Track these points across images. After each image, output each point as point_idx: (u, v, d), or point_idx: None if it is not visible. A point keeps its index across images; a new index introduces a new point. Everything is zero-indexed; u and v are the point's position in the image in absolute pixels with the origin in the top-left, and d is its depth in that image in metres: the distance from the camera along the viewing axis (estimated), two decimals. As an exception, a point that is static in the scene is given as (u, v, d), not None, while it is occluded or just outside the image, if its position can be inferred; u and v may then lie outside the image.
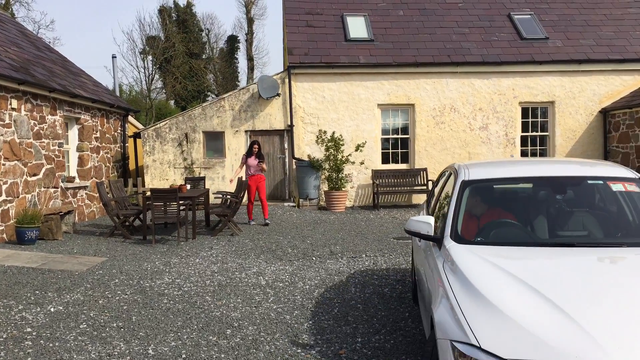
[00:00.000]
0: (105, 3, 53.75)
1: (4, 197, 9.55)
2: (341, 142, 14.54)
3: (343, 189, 14.26)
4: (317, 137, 14.70)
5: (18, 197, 9.99)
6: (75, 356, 4.49)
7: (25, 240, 9.19)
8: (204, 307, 5.88)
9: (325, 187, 14.62)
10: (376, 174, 14.58)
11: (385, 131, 15.14)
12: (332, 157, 14.43)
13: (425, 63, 14.65)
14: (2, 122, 9.59)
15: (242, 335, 5.01)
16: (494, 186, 4.53)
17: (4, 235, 9.53)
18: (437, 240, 3.95)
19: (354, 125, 14.81)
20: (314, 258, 8.35)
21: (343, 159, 14.35)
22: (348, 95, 14.76)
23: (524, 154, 15.26)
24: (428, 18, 16.08)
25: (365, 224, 11.67)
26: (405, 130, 15.15)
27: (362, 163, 14.72)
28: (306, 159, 14.50)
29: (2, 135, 9.58)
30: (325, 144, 14.60)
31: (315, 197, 14.34)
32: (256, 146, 11.52)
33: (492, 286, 3.06)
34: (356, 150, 14.61)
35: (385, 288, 6.59)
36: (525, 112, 15.24)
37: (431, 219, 4.04)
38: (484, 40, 15.35)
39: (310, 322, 5.39)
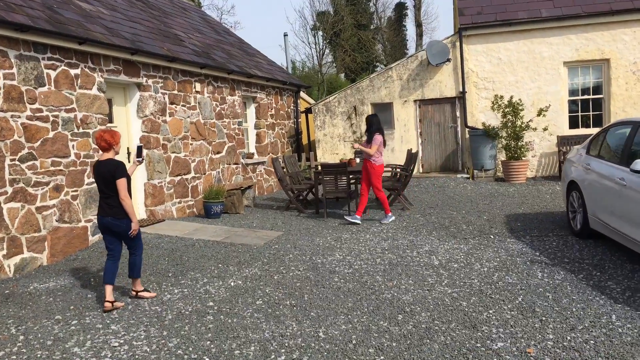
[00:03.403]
0: (278, -16, 56.13)
1: (192, 174, 10.40)
2: (520, 107, 13.25)
3: (523, 158, 13.04)
4: (493, 102, 13.60)
5: (205, 173, 10.82)
6: (250, 334, 4.59)
7: (211, 214, 9.93)
8: (374, 287, 5.68)
9: (502, 156, 13.54)
10: (562, 140, 13.06)
11: (572, 92, 13.47)
12: (509, 123, 13.26)
13: (623, 10, 12.61)
14: (188, 105, 10.39)
15: (415, 322, 4.69)
16: None
17: (194, 210, 10.41)
18: None
19: (535, 87, 13.40)
20: (491, 236, 7.68)
21: (523, 126, 13.09)
22: (528, 54, 13.36)
23: None
24: (626, -44, 13.78)
25: (550, 197, 10.51)
26: (597, 90, 13.30)
27: (545, 129, 13.28)
28: (480, 127, 13.53)
29: (189, 117, 10.38)
30: (501, 110, 13.45)
31: (491, 167, 13.35)
32: (367, 121, 8.75)
33: None
34: (538, 115, 13.22)
35: (580, 274, 5.74)
36: None
37: None
38: (703, -26, 12.69)
39: (491, 311, 4.87)
